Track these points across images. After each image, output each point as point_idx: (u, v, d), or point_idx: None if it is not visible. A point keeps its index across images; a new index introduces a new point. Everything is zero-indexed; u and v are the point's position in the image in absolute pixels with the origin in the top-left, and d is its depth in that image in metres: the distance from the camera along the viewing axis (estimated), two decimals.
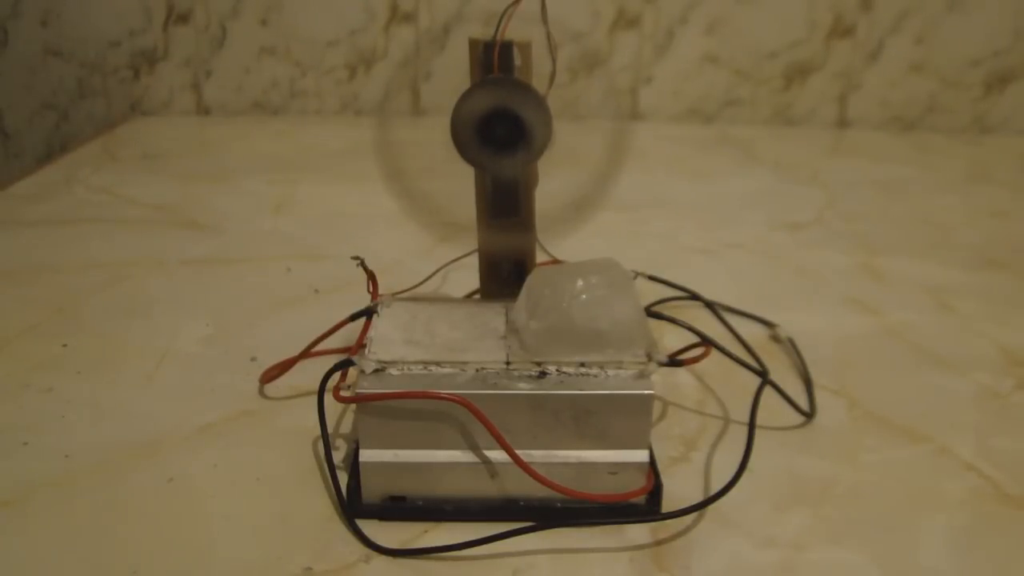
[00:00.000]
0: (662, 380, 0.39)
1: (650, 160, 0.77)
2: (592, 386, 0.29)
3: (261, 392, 0.38)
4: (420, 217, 0.33)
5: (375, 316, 0.34)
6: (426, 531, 0.30)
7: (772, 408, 0.37)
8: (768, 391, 0.37)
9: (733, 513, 0.31)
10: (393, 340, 0.31)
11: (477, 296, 0.37)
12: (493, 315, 0.34)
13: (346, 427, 0.35)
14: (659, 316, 0.38)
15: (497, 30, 0.31)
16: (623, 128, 0.33)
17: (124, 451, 0.33)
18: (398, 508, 0.30)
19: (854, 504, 0.32)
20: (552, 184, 0.34)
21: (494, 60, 0.31)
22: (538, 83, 0.32)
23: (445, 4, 0.86)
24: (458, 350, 0.31)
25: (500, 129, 0.31)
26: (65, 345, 0.42)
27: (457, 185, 0.34)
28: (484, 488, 0.30)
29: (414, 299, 0.35)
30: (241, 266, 0.52)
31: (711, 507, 0.30)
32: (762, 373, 0.37)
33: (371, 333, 0.32)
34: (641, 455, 0.30)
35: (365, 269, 0.36)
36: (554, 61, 0.33)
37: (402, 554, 0.28)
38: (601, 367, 0.30)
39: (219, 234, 0.57)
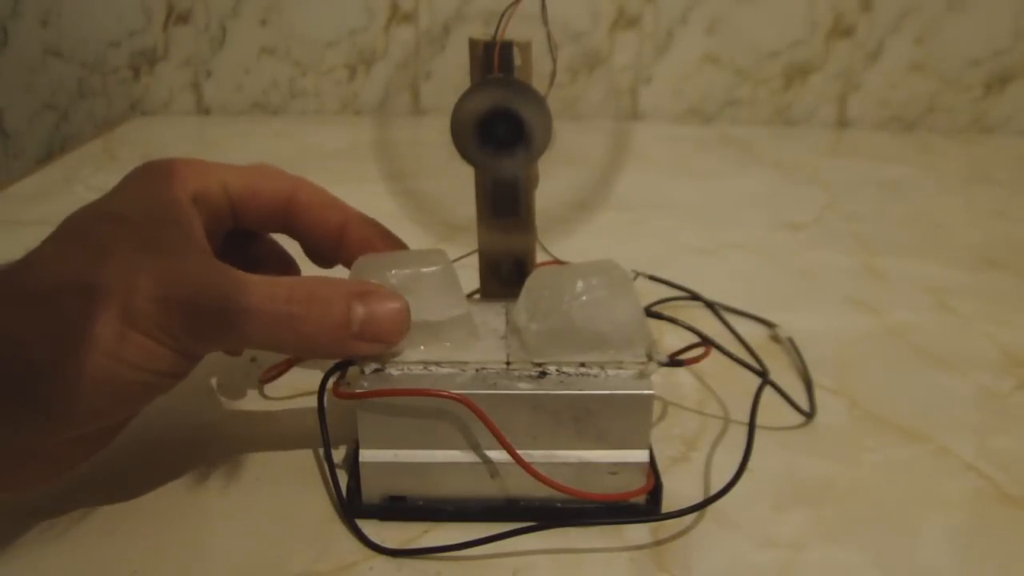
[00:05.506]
0: (662, 380, 0.39)
1: (650, 160, 0.77)
2: (592, 386, 0.29)
3: (261, 392, 0.38)
4: (420, 217, 0.33)
5: None
6: (426, 531, 0.30)
7: (772, 408, 0.37)
8: (768, 391, 0.37)
9: (733, 513, 0.31)
10: None
11: (477, 296, 0.37)
12: (493, 315, 0.34)
13: (346, 427, 0.34)
14: (659, 316, 0.38)
15: (497, 30, 0.31)
16: (623, 128, 0.33)
17: (123, 450, 0.33)
18: (398, 508, 0.30)
19: (854, 504, 0.32)
20: (552, 184, 0.34)
21: (494, 60, 0.31)
22: (538, 83, 0.32)
23: (445, 4, 0.86)
24: (458, 350, 0.31)
25: (500, 129, 0.31)
26: None
27: (457, 185, 0.34)
28: (484, 488, 0.30)
29: None
30: None
31: (711, 507, 0.30)
32: (762, 373, 0.37)
33: None
34: (641, 455, 0.30)
35: None
36: (554, 61, 0.32)
37: (402, 554, 0.28)
38: (601, 367, 0.30)
39: None
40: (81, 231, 0.28)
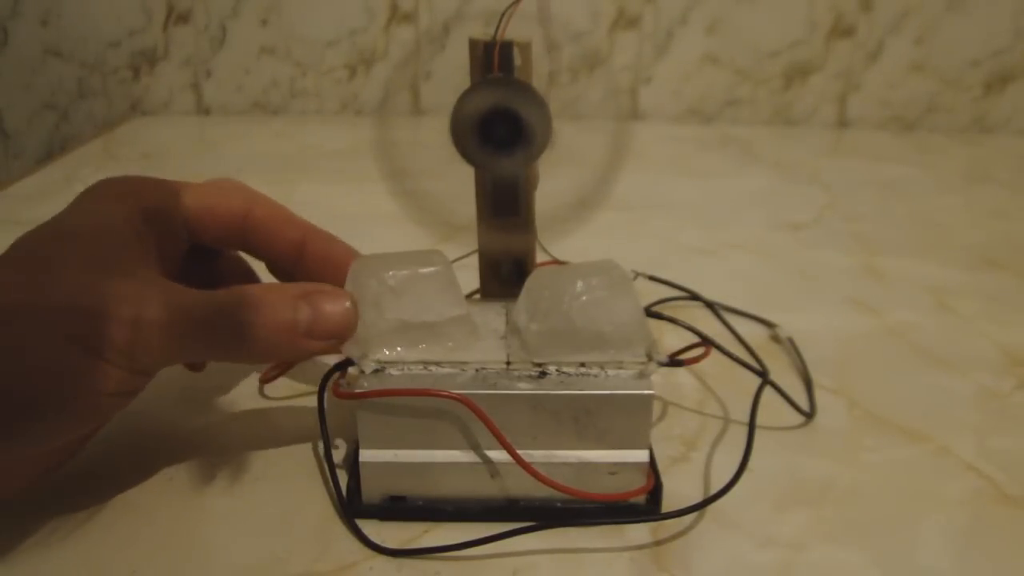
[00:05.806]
0: (662, 380, 0.39)
1: (650, 160, 0.77)
2: (592, 386, 0.29)
3: (261, 392, 0.38)
4: (420, 217, 0.33)
5: None
6: (426, 531, 0.30)
7: (772, 408, 0.37)
8: (768, 391, 0.37)
9: (733, 513, 0.31)
10: None
11: (477, 296, 0.37)
12: (493, 315, 0.34)
13: (346, 427, 0.34)
14: (659, 316, 0.38)
15: (497, 30, 0.31)
16: (623, 128, 0.33)
17: (124, 450, 0.33)
18: (398, 508, 0.30)
19: (854, 504, 0.32)
20: (552, 184, 0.34)
21: (494, 60, 0.31)
22: (538, 83, 0.32)
23: (445, 4, 0.86)
24: (458, 350, 0.31)
25: (500, 129, 0.31)
26: None
27: (457, 185, 0.34)
28: (484, 488, 0.30)
29: None
30: None
31: (711, 507, 0.30)
32: (762, 373, 0.37)
33: None
34: (641, 455, 0.30)
35: None
36: (554, 61, 0.32)
37: (402, 554, 0.28)
38: (601, 367, 0.30)
39: None
40: (30, 250, 0.28)
